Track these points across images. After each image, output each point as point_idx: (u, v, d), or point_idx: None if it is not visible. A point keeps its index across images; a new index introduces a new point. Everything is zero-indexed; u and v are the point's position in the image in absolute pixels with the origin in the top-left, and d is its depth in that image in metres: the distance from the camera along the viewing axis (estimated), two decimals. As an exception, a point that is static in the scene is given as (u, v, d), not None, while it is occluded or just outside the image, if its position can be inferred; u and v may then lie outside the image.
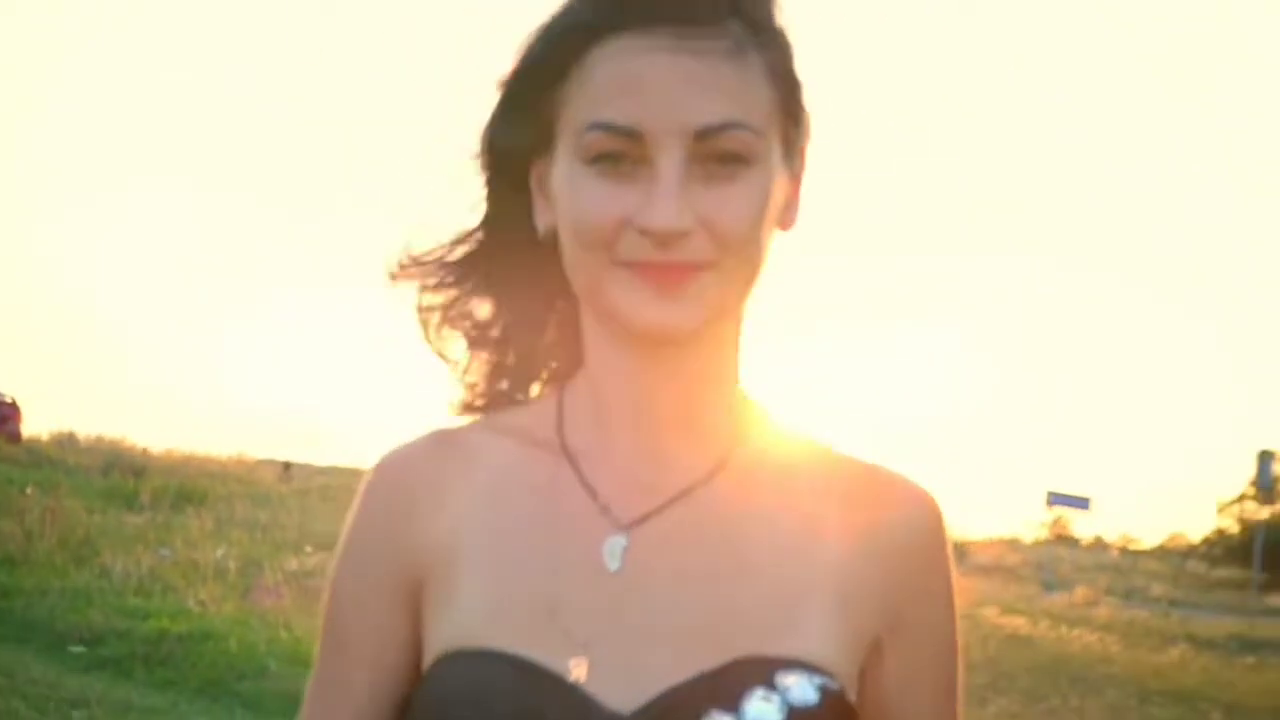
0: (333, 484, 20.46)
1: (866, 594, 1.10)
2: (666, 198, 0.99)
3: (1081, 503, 35.59)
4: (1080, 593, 24.26)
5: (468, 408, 1.21)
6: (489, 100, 1.12)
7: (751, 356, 1.16)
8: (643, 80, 1.00)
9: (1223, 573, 39.02)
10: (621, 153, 1.01)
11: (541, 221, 1.11)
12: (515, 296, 1.18)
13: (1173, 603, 25.82)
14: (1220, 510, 42.10)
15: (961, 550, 35.74)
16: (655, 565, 1.08)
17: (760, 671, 1.03)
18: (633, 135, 1.00)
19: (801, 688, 1.03)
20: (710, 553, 1.09)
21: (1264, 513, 35.39)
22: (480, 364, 1.20)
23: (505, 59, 1.11)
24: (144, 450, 21.37)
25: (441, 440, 1.16)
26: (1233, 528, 41.54)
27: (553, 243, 1.09)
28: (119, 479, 17.79)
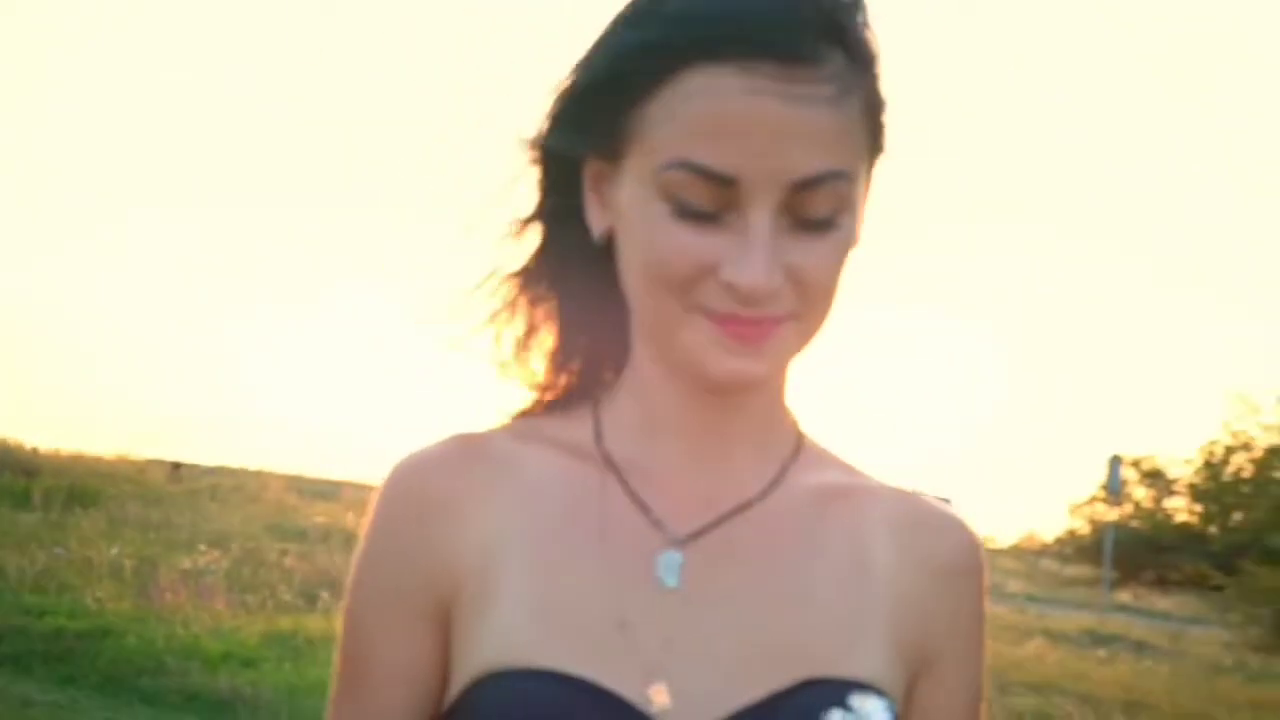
0: (222, 484, 20.19)
1: (913, 620, 1.07)
2: (760, 256, 0.92)
3: (943, 503, 36.25)
4: (941, 589, 24.40)
5: (522, 412, 1.12)
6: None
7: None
8: (742, 124, 0.90)
9: (1075, 570, 39.75)
10: (709, 198, 0.92)
11: (597, 225, 1.02)
12: (571, 297, 1.09)
13: (1029, 598, 26.23)
14: (1072, 512, 42.94)
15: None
16: (713, 582, 1.02)
17: (834, 693, 0.99)
18: (726, 183, 0.91)
19: (877, 710, 0.99)
20: (768, 571, 1.04)
21: (1113, 514, 36.18)
22: (531, 368, 1.11)
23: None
24: (34, 450, 20.97)
25: (467, 447, 1.07)
26: (1083, 528, 42.40)
27: (606, 246, 1.02)
28: (10, 479, 17.44)
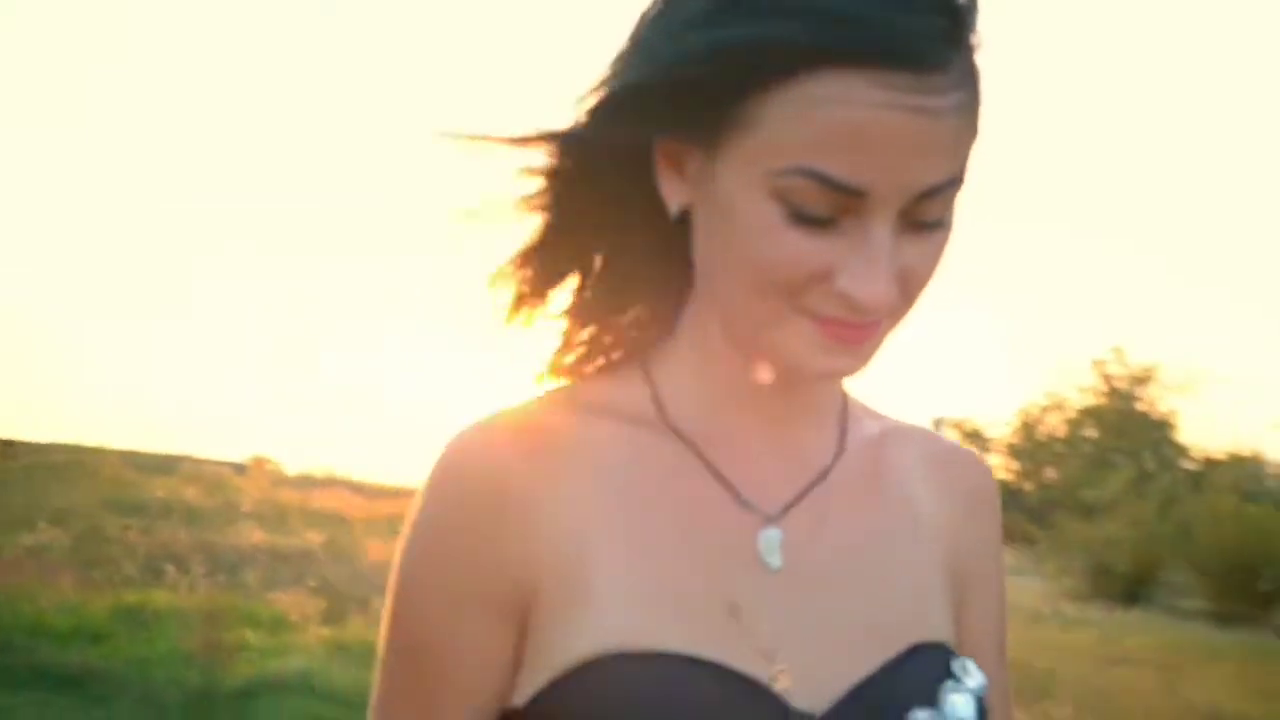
0: (57, 461, 19.74)
1: (954, 555, 1.08)
2: (881, 270, 0.88)
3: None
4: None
5: (558, 374, 1.08)
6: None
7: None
8: (877, 137, 0.84)
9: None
10: (828, 206, 0.87)
11: (674, 200, 0.96)
12: (623, 262, 1.04)
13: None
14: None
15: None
16: (808, 556, 0.99)
17: (937, 661, 0.99)
18: (852, 194, 0.86)
19: (975, 675, 1.00)
20: (853, 538, 1.02)
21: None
22: (577, 331, 1.07)
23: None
24: None
25: (527, 427, 0.99)
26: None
27: (656, 210, 0.98)
28: None
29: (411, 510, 0.99)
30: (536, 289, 1.04)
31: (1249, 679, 13.30)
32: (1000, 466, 36.07)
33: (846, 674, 0.96)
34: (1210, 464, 36.70)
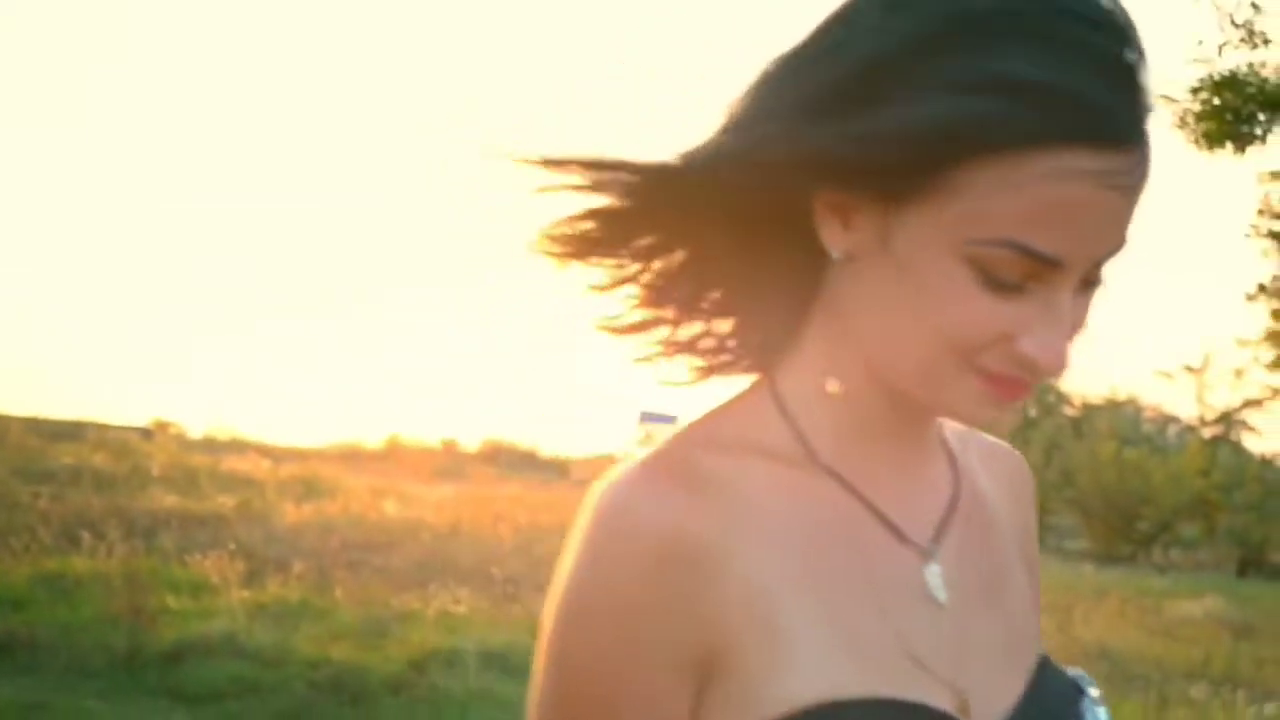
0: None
1: (1022, 554, 1.11)
2: (1064, 335, 0.89)
3: (669, 419, 37.62)
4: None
5: (687, 381, 1.06)
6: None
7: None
8: (1085, 213, 0.85)
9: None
10: (1022, 273, 0.87)
11: (838, 248, 0.94)
12: (756, 294, 1.03)
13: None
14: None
15: (564, 467, 36.54)
16: (958, 586, 1.00)
17: (1058, 674, 1.03)
18: (1051, 264, 0.87)
19: (1091, 682, 1.03)
20: (980, 561, 1.04)
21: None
22: (696, 361, 1.05)
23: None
24: None
25: (690, 479, 0.94)
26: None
27: (841, 263, 0.95)
28: None
29: (575, 564, 0.93)
30: (648, 303, 1.03)
31: (1132, 616, 13.76)
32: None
33: (1005, 697, 0.98)
34: (1090, 410, 37.53)
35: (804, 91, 0.91)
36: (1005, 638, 1.02)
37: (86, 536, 10.84)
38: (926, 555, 1.00)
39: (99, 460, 17.19)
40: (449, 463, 30.98)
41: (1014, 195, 0.85)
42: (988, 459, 1.13)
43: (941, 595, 0.99)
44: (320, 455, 27.02)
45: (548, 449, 40.81)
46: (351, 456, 29.41)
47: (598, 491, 0.94)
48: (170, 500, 13.94)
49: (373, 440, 36.65)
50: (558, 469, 36.15)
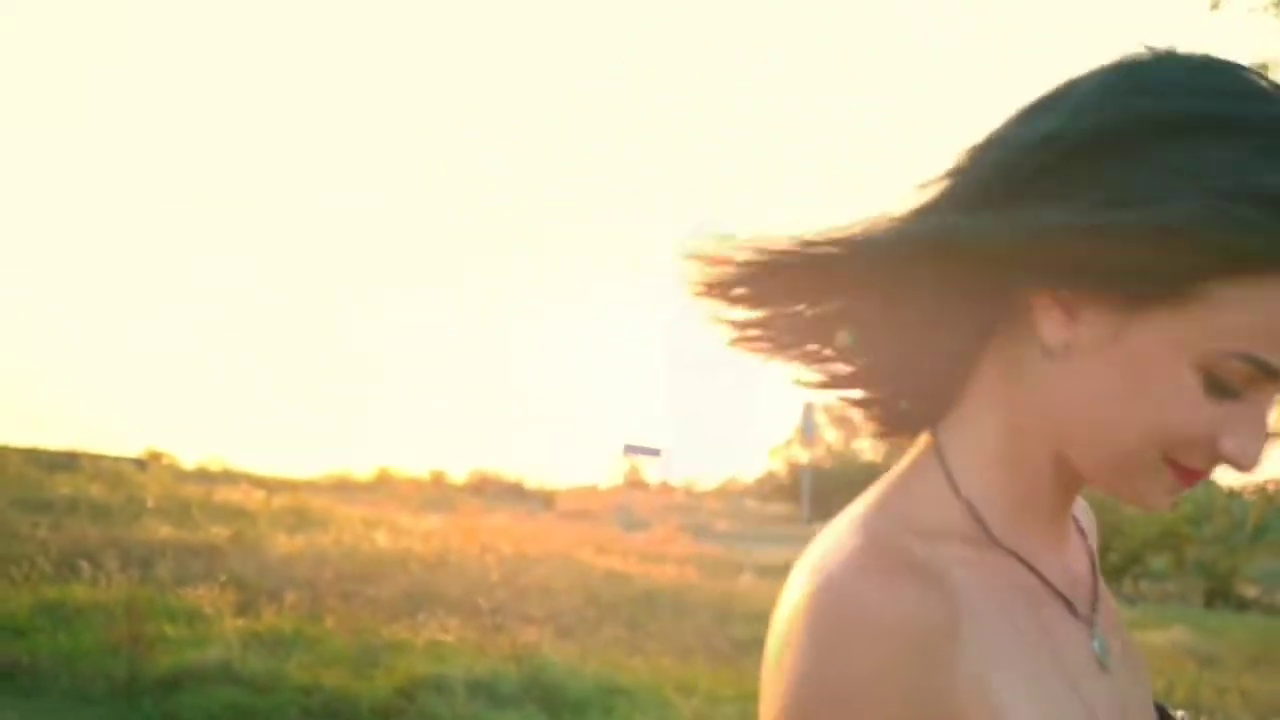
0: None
1: None
2: (1264, 438, 0.91)
3: (653, 452, 38.18)
4: (658, 531, 24.56)
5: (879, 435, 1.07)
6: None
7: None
8: None
9: (774, 509, 41.27)
10: (1244, 382, 0.89)
11: (1056, 338, 0.93)
12: (941, 368, 1.02)
13: (736, 537, 26.84)
14: (771, 455, 44.68)
15: (549, 499, 36.55)
16: (1113, 652, 1.03)
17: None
18: (1274, 376, 0.88)
19: None
20: (1116, 621, 1.06)
21: (807, 456, 37.79)
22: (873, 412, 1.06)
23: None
24: None
25: (927, 578, 0.91)
26: (781, 469, 44.29)
27: (1052, 355, 0.94)
28: None
29: (811, 661, 0.90)
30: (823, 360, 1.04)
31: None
32: (869, 449, 36.68)
33: None
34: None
35: (1026, 172, 0.91)
36: (1144, 696, 1.05)
37: (85, 566, 10.96)
38: (1092, 625, 1.02)
39: (95, 491, 17.20)
40: (437, 494, 30.95)
41: (1257, 310, 0.86)
42: (1081, 513, 1.14)
43: (1110, 664, 1.01)
44: (311, 486, 26.96)
45: (533, 480, 40.84)
46: (342, 487, 29.38)
47: (816, 585, 0.92)
48: (165, 531, 13.99)
49: (363, 471, 36.62)
50: (543, 500, 36.13)
